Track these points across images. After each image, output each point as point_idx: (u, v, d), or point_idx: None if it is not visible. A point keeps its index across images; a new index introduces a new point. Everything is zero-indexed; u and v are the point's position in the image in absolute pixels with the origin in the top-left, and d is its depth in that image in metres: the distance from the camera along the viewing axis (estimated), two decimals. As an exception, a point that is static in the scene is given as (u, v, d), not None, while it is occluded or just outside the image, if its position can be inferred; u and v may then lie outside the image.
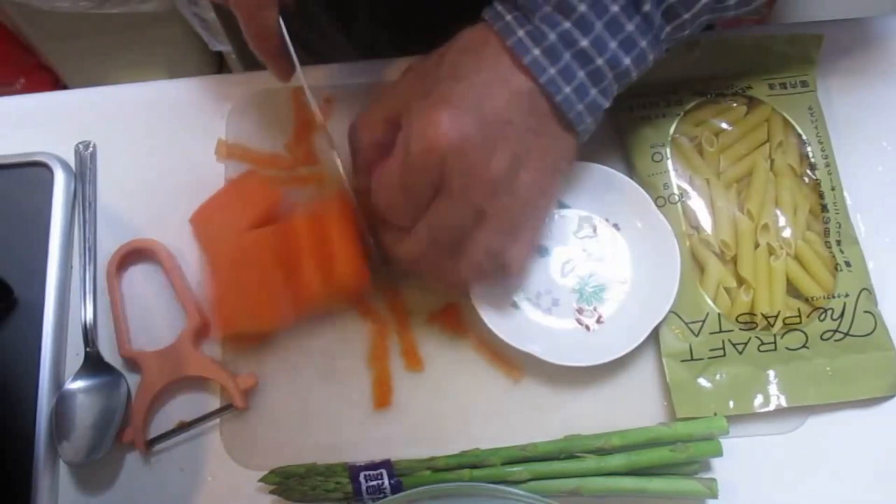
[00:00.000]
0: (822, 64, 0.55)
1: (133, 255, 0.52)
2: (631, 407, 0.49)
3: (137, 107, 0.58)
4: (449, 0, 0.49)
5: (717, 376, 0.48)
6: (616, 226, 0.52)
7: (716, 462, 0.47)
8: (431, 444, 0.48)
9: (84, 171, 0.54)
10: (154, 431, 0.49)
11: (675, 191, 0.51)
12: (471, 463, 0.46)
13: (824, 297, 0.49)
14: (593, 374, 0.49)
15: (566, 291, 0.51)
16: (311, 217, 0.49)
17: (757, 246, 0.50)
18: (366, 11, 0.66)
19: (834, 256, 0.50)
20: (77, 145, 0.54)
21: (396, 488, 0.45)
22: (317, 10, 0.67)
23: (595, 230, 0.52)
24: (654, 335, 0.49)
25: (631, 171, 0.53)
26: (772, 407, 0.47)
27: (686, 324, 0.49)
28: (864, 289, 0.49)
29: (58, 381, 0.49)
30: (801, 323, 0.49)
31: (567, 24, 0.40)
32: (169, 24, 1.29)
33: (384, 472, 0.45)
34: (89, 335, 0.49)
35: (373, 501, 0.45)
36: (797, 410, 0.48)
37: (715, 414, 0.47)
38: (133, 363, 0.50)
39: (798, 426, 0.48)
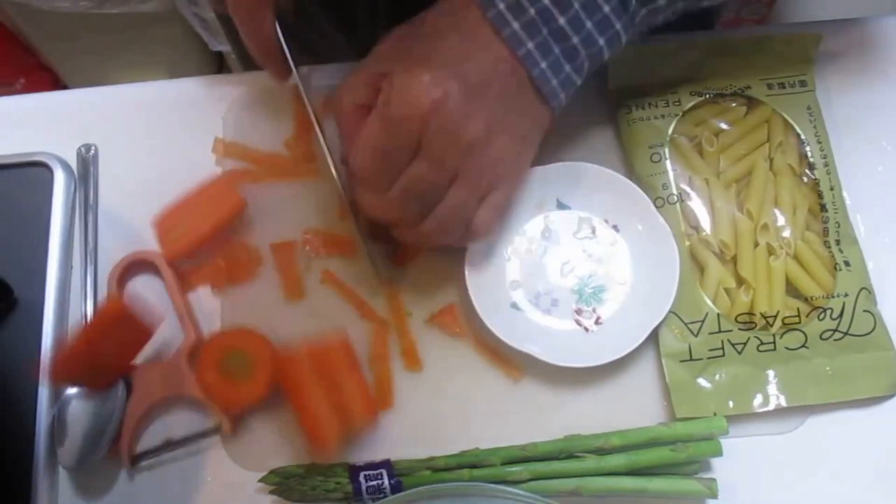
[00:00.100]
0: (820, 64, 0.55)
1: (135, 266, 0.52)
2: (630, 407, 0.49)
3: (137, 107, 0.58)
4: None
5: (717, 376, 0.48)
6: (615, 227, 0.52)
7: (715, 462, 0.47)
8: (431, 444, 0.48)
9: (86, 175, 0.54)
10: (144, 445, 0.49)
11: (675, 191, 0.51)
12: (470, 463, 0.46)
13: (824, 297, 0.49)
14: (593, 374, 0.49)
15: (565, 292, 0.51)
16: (314, 354, 0.47)
17: (756, 246, 0.50)
18: (365, 12, 0.66)
19: (833, 256, 0.50)
20: (79, 148, 0.54)
21: (396, 488, 0.45)
22: (317, 10, 0.67)
23: (594, 231, 0.52)
24: (654, 335, 0.49)
25: (630, 171, 0.53)
26: (771, 407, 0.47)
27: (685, 324, 0.49)
28: (863, 288, 0.49)
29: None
30: (800, 323, 0.49)
31: (546, 2, 0.41)
32: (169, 24, 1.29)
33: (384, 472, 0.45)
34: None
35: (373, 501, 0.46)
36: (797, 410, 0.48)
37: (715, 414, 0.47)
38: (127, 375, 0.49)
39: (798, 426, 0.48)
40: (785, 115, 0.53)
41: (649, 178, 0.52)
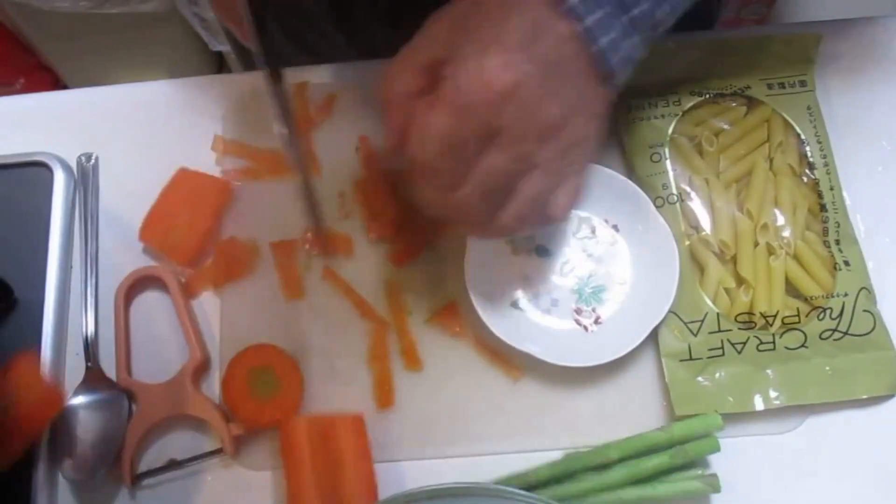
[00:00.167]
0: (821, 64, 0.55)
1: (142, 282, 0.52)
2: (630, 407, 0.49)
3: (137, 107, 0.58)
4: (446, 0, 0.49)
5: (717, 376, 0.48)
6: (615, 227, 0.52)
7: (715, 462, 0.47)
8: (431, 443, 0.48)
9: (86, 182, 0.54)
10: (146, 464, 0.48)
11: (675, 191, 0.51)
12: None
13: (823, 297, 0.49)
14: (592, 374, 0.49)
15: (565, 292, 0.51)
16: (320, 431, 0.46)
17: (756, 245, 0.50)
18: (364, 11, 0.66)
19: (833, 256, 0.50)
20: (79, 157, 0.54)
21: None
22: (317, 10, 0.67)
23: (594, 231, 0.52)
24: (654, 335, 0.49)
25: (630, 171, 0.53)
26: (771, 406, 0.47)
27: (685, 323, 0.49)
28: (863, 288, 0.49)
29: (58, 381, 0.49)
30: (800, 322, 0.49)
31: None
32: (169, 24, 1.29)
33: None
34: (90, 350, 0.49)
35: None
36: (796, 410, 0.48)
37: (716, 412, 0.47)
38: (131, 393, 0.49)
39: (797, 425, 0.48)
40: (785, 115, 0.53)
41: (649, 178, 0.52)
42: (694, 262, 0.50)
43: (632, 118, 0.53)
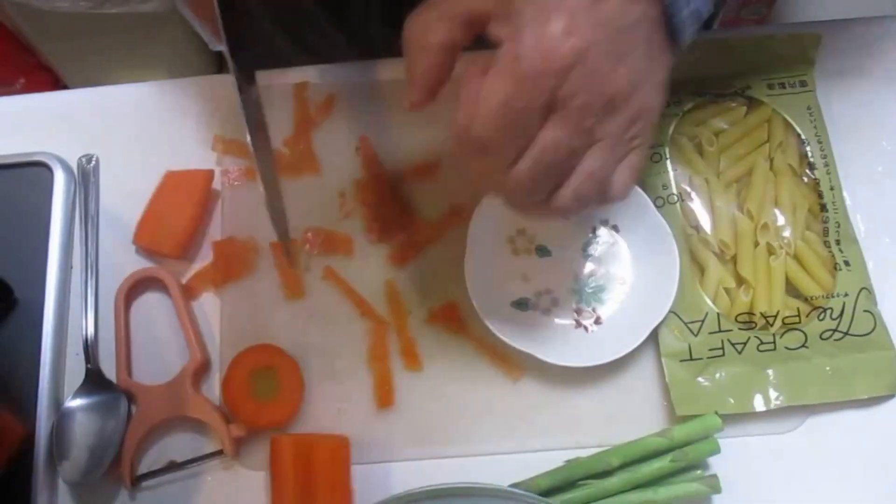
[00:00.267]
0: (821, 64, 0.55)
1: (142, 283, 0.52)
2: (630, 407, 0.49)
3: (137, 107, 0.58)
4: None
5: (717, 376, 0.48)
6: (615, 227, 0.52)
7: (716, 462, 0.47)
8: (431, 443, 0.48)
9: (86, 183, 0.54)
10: (145, 465, 0.48)
11: (675, 191, 0.51)
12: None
13: (823, 297, 0.49)
14: (593, 374, 0.49)
15: (565, 292, 0.51)
16: (305, 449, 0.46)
17: (756, 245, 0.50)
18: (363, 11, 0.66)
19: (833, 256, 0.50)
20: (80, 159, 0.54)
21: None
22: (316, 10, 0.67)
23: (594, 231, 0.52)
24: (654, 335, 0.49)
25: (630, 170, 0.53)
26: (771, 406, 0.47)
27: (685, 324, 0.49)
28: (863, 288, 0.49)
29: (58, 382, 0.49)
30: (800, 322, 0.49)
31: None
32: (169, 24, 1.29)
33: None
34: (90, 351, 0.49)
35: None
36: (797, 410, 0.48)
37: (716, 412, 0.47)
38: (130, 394, 0.49)
39: (798, 426, 0.48)
40: (785, 115, 0.53)
41: (649, 178, 0.52)
42: (694, 262, 0.50)
43: (632, 118, 0.53)
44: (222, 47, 0.43)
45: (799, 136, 0.53)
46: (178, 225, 0.52)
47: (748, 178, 0.52)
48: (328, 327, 0.51)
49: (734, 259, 0.50)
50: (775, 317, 0.49)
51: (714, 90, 0.54)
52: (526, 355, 0.48)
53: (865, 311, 0.49)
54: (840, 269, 0.50)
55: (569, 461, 0.47)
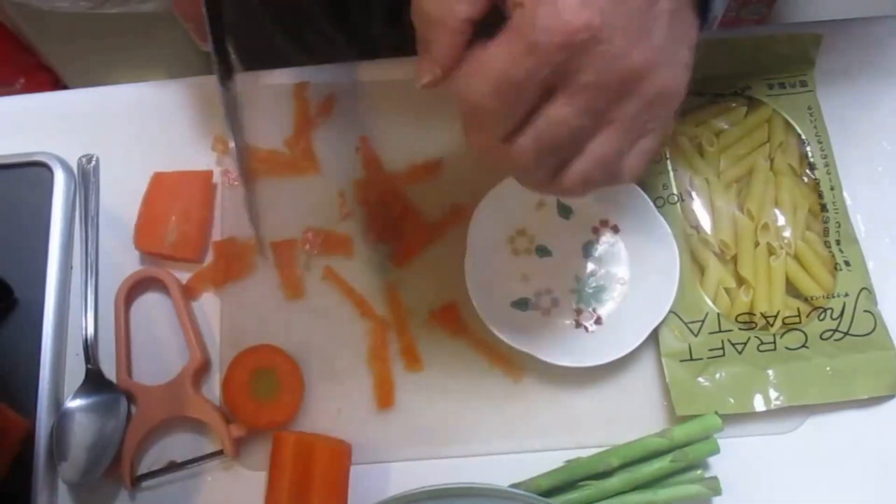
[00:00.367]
0: (821, 64, 0.55)
1: (143, 283, 0.52)
2: (631, 407, 0.49)
3: (138, 107, 0.58)
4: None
5: (717, 376, 0.48)
6: (615, 227, 0.52)
7: (716, 462, 0.47)
8: (431, 444, 0.48)
9: (86, 183, 0.54)
10: (145, 466, 0.48)
11: (675, 191, 0.51)
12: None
13: (824, 297, 0.49)
14: (593, 374, 0.49)
15: (565, 292, 0.51)
16: (306, 449, 0.46)
17: (756, 246, 0.50)
18: (363, 11, 0.66)
19: (833, 256, 0.50)
20: (80, 159, 0.54)
21: None
22: (316, 10, 0.67)
23: (594, 231, 0.52)
24: (654, 335, 0.49)
25: (630, 171, 0.53)
26: (771, 406, 0.47)
27: (685, 324, 0.49)
28: (863, 288, 0.49)
29: (58, 382, 0.49)
30: (800, 322, 0.49)
31: None
32: (169, 24, 1.29)
33: None
34: (90, 352, 0.49)
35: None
36: (797, 410, 0.48)
37: (716, 413, 0.47)
38: (130, 395, 0.49)
39: (798, 426, 0.48)
40: (785, 115, 0.53)
41: (649, 178, 0.52)
42: (694, 262, 0.50)
43: (632, 118, 0.53)
44: (207, 46, 0.43)
45: (799, 136, 0.53)
46: (190, 229, 0.52)
47: (748, 178, 0.52)
48: (328, 327, 0.51)
49: (734, 259, 0.50)
50: (775, 317, 0.49)
51: (714, 90, 0.54)
52: (526, 355, 0.48)
53: (866, 311, 0.49)
54: (840, 270, 0.50)
55: (569, 461, 0.47)
